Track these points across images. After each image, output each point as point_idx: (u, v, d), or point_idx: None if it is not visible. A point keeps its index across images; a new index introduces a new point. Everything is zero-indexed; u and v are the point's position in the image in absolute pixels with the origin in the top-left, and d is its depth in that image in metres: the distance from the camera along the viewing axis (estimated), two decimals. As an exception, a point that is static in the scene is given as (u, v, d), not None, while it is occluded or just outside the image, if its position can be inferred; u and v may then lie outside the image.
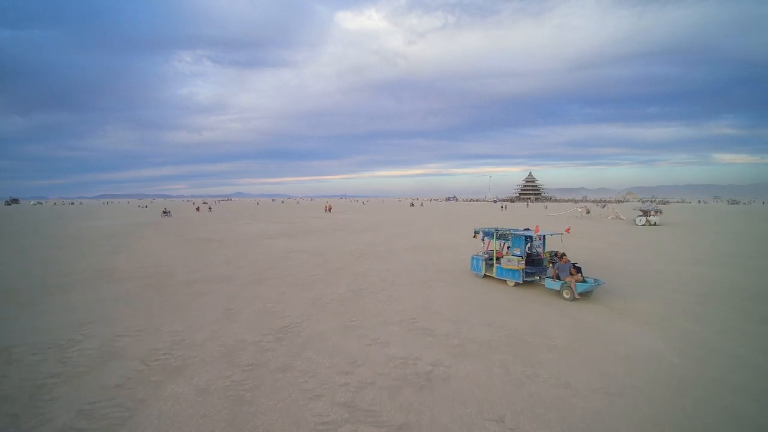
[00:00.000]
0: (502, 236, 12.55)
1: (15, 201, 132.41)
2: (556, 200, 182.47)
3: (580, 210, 47.03)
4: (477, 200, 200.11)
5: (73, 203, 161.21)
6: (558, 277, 10.58)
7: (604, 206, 56.77)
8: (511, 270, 11.56)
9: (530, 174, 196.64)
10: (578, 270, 10.53)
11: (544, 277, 11.45)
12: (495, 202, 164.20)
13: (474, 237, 14.54)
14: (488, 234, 13.15)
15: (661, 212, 35.73)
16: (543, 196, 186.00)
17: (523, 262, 11.40)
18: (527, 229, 12.97)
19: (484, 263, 12.69)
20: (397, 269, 14.70)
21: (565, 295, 10.19)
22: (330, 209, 63.04)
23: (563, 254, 11.08)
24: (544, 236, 13.01)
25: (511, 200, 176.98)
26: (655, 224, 33.79)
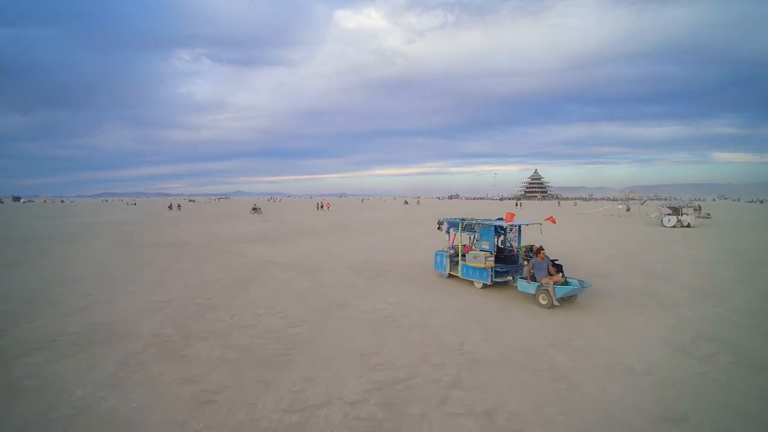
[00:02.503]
0: (468, 227, 10.79)
1: (17, 199, 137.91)
2: (564, 198, 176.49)
3: (620, 207, 40.27)
4: (481, 198, 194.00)
5: (63, 201, 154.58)
6: (533, 278, 8.69)
7: (643, 203, 50.07)
8: (477, 269, 9.70)
9: (536, 171, 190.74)
10: (558, 269, 8.78)
11: (517, 277, 9.48)
12: (501, 200, 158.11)
13: (438, 229, 12.26)
14: (454, 225, 11.42)
15: (698, 210, 28.61)
16: (549, 194, 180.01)
17: (492, 258, 9.63)
18: (500, 219, 10.91)
19: (448, 260, 10.91)
20: (462, 305, 8.42)
21: (540, 301, 8.31)
22: (322, 207, 54.67)
23: (540, 249, 8.97)
24: (519, 227, 10.94)
25: (519, 198, 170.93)
26: (688, 225, 26.43)
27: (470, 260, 9.80)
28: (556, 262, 9.08)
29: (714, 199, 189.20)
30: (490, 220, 10.72)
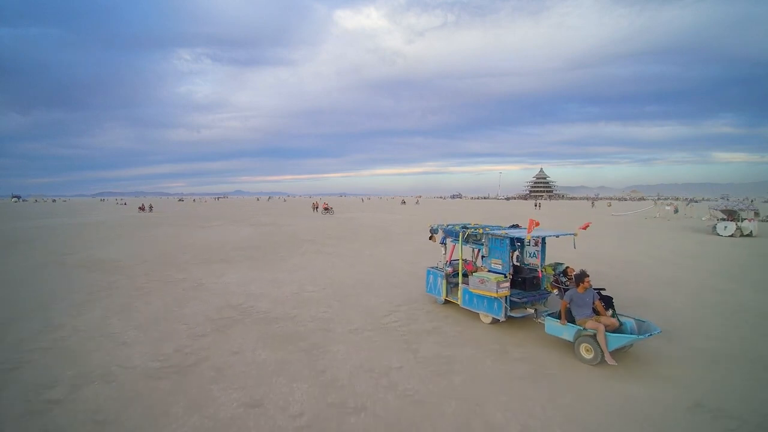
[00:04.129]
0: (472, 238, 7.82)
1: (17, 198, 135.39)
2: (572, 198, 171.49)
3: (668, 208, 34.63)
4: (485, 198, 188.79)
5: (55, 200, 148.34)
6: (571, 318, 5.81)
7: (689, 203, 44.38)
8: (485, 298, 6.80)
9: (541, 170, 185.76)
10: (607, 303, 6.15)
11: (542, 311, 6.85)
12: (507, 199, 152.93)
13: (431, 239, 9.12)
14: (452, 234, 8.38)
15: (757, 214, 23.21)
16: (555, 194, 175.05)
17: (507, 283, 6.66)
18: (514, 226, 8.43)
19: (444, 282, 8.12)
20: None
21: (583, 354, 5.52)
22: (317, 208, 45.53)
23: (583, 274, 5.87)
24: (543, 239, 7.63)
25: (525, 198, 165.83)
26: (750, 234, 20.62)
27: (475, 286, 7.04)
28: (602, 292, 6.45)
29: (717, 200, 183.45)
30: (501, 228, 7.98)
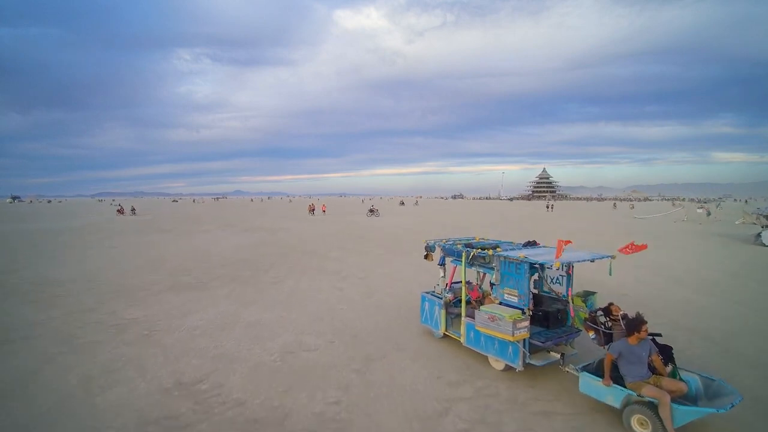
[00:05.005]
0: (479, 261, 6.14)
1: (15, 198, 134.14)
2: (576, 198, 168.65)
3: (700, 211, 31.32)
4: (487, 198, 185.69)
5: (50, 201, 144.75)
6: (615, 371, 4.38)
7: (718, 205, 40.90)
8: (495, 341, 5.35)
9: (544, 170, 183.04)
10: (665, 355, 4.51)
11: (571, 354, 5.61)
12: (511, 200, 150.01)
13: (426, 257, 7.33)
14: (452, 253, 6.69)
15: None
16: (558, 194, 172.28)
17: (527, 321, 5.10)
18: (531, 243, 6.51)
19: (443, 312, 6.51)
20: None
21: (636, 428, 4.05)
22: (314, 210, 42.62)
23: (641, 321, 4.34)
24: (570, 265, 5.89)
25: (528, 198, 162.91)
26: None
27: (484, 324, 5.23)
28: (657, 339, 4.57)
29: (721, 199, 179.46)
30: (513, 245, 6.30)
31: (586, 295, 6.09)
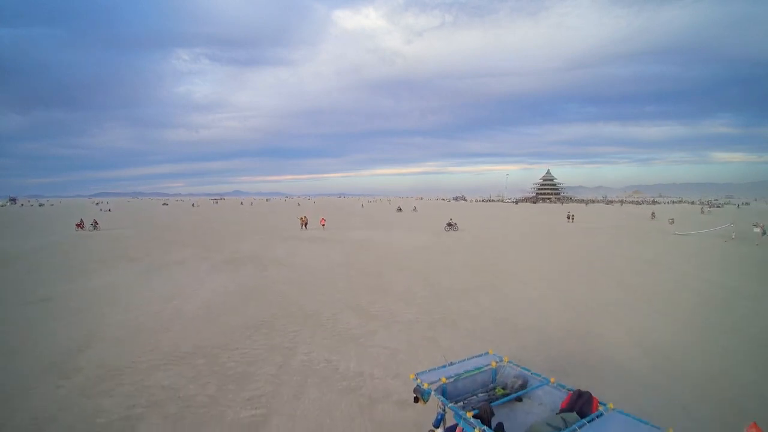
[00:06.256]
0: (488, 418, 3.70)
1: (13, 200, 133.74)
2: (580, 200, 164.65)
3: (756, 230, 27.09)
4: (490, 200, 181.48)
5: (42, 204, 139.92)
6: None
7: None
8: None
9: (548, 172, 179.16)
10: None
11: None
12: (516, 203, 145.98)
13: (416, 401, 4.19)
14: (456, 416, 3.75)
15: None
16: (563, 196, 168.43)
17: None
18: (585, 398, 3.77)
19: None
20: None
21: None
22: (306, 224, 35.92)
23: None
24: None
25: (533, 201, 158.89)
26: None
27: None
28: None
29: (719, 199, 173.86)
30: (542, 378, 4.36)
31: None
